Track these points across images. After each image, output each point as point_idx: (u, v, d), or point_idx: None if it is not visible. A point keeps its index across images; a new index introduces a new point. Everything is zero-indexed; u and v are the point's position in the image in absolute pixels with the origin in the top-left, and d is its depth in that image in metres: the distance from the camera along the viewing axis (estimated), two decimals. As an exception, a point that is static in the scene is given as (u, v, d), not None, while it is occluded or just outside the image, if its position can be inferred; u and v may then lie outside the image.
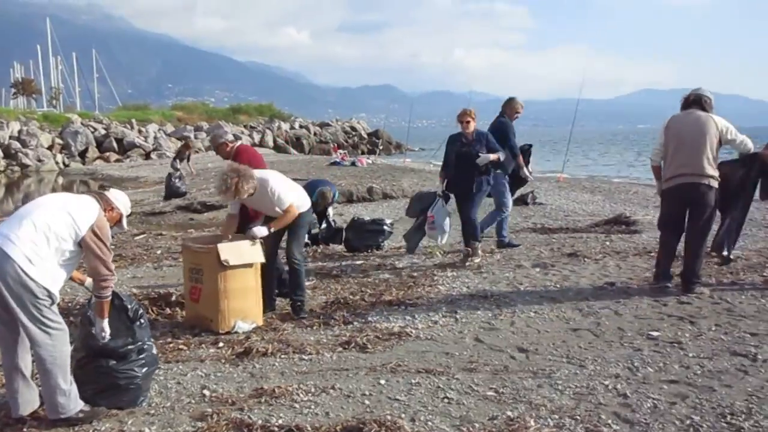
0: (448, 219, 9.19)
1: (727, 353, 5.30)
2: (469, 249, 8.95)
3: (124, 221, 4.81)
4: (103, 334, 4.46)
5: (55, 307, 4.24)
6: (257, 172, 6.51)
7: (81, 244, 4.26)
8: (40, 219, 4.18)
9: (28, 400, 4.41)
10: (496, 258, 9.20)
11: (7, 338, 4.32)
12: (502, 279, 7.99)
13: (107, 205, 4.61)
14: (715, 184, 7.02)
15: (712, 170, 6.98)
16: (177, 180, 19.84)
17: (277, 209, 6.59)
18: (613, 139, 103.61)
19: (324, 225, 11.03)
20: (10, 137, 41.18)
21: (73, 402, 4.28)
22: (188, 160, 22.53)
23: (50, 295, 4.16)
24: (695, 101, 7.22)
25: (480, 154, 8.70)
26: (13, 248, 4.05)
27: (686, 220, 7.21)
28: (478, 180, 8.80)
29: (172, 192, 19.46)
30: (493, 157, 8.78)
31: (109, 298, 4.45)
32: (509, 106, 9.99)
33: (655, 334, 5.81)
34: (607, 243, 9.85)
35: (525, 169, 9.93)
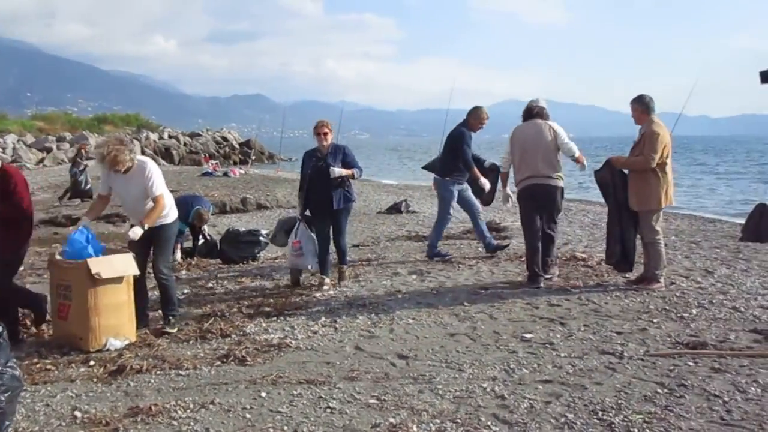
0: (313, 242, 8.31)
1: (596, 352, 5.54)
2: (325, 277, 8.26)
3: None
4: None
5: None
6: (138, 155, 6.42)
7: None
8: None
9: None
10: (372, 266, 9.26)
11: None
12: (379, 286, 8.05)
13: None
14: (559, 183, 7.93)
15: (553, 171, 7.86)
16: (81, 175, 19.39)
17: (147, 198, 6.41)
18: (485, 147, 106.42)
19: (201, 241, 10.79)
20: None
21: None
22: (86, 158, 21.67)
23: None
24: (538, 113, 8.08)
25: (333, 168, 7.97)
26: None
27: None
28: (336, 194, 8.05)
29: (78, 191, 18.97)
30: (345, 172, 8.05)
31: None
32: (473, 116, 9.39)
33: (528, 336, 6.01)
34: (480, 249, 10.11)
35: (482, 179, 9.34)
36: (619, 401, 4.52)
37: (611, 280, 7.96)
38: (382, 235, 12.50)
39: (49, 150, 46.08)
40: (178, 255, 10.29)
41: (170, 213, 6.64)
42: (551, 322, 6.43)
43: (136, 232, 6.25)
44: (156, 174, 6.42)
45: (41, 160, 44.36)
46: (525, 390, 4.78)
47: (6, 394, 4.33)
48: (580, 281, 7.95)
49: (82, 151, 21.93)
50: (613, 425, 4.16)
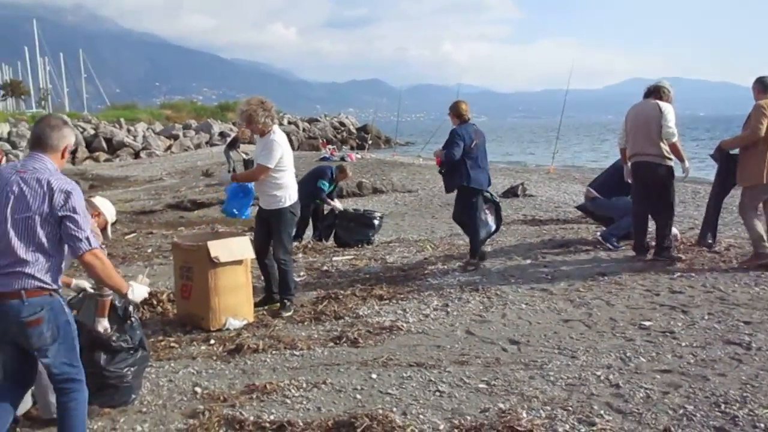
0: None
1: (721, 342, 5.28)
2: None
3: (109, 229, 4.80)
4: (106, 331, 4.47)
5: None
6: (276, 126, 6.71)
7: None
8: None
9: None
10: (487, 250, 9.16)
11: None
12: (493, 271, 7.96)
13: (93, 211, 4.59)
14: (665, 162, 7.69)
15: (657, 150, 7.66)
16: (232, 161, 20.74)
17: (257, 161, 6.64)
18: (602, 129, 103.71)
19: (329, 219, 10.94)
20: (0, 139, 40.98)
21: None
22: (238, 148, 22.85)
23: None
24: (654, 91, 7.95)
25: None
26: None
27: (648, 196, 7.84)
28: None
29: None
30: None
31: (110, 296, 4.45)
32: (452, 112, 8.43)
33: (647, 323, 5.79)
34: (598, 233, 9.82)
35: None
36: (745, 394, 4.29)
37: (740, 268, 7.56)
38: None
39: (176, 137, 48.08)
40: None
41: (286, 197, 6.70)
42: (672, 309, 6.17)
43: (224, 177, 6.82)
44: (274, 146, 6.55)
45: (168, 147, 46.35)
46: (641, 379, 4.61)
47: (134, 368, 4.57)
48: (706, 267, 7.59)
49: (239, 140, 23.03)
50: (736, 419, 3.96)
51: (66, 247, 3.52)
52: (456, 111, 8.26)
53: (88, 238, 3.45)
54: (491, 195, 8.55)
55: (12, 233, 3.41)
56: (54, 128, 3.65)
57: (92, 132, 45.23)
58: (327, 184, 10.80)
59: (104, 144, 44.09)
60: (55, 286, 3.51)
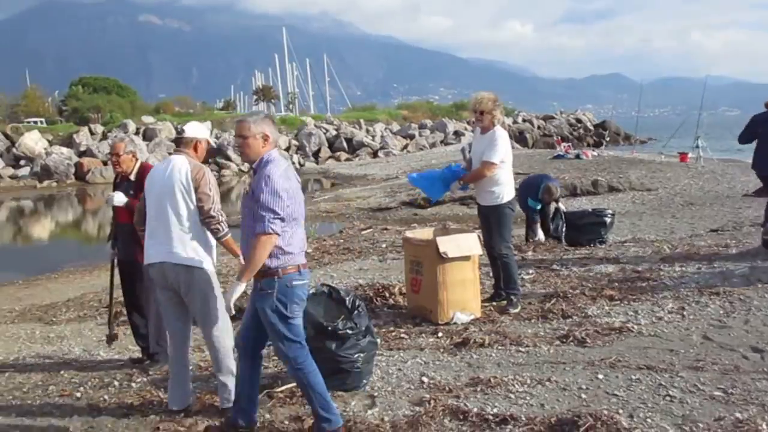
0: None
1: None
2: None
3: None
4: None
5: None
6: (500, 124, 6.75)
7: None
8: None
9: (190, 392, 4.80)
10: (731, 252, 8.60)
11: (181, 333, 4.73)
12: (736, 274, 7.45)
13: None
14: None
15: None
16: None
17: (483, 158, 6.60)
18: None
19: (557, 220, 10.72)
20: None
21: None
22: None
23: None
24: None
25: None
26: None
27: None
28: None
29: None
30: None
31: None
32: None
33: None
34: None
35: None
36: None
37: None
38: (747, 220, 11.47)
39: (411, 137, 49.62)
40: (541, 235, 10.44)
41: (503, 193, 6.67)
42: None
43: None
44: (501, 144, 6.55)
45: (405, 147, 47.92)
46: None
47: (363, 354, 4.84)
48: None
49: None
50: None
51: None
52: None
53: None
54: None
55: None
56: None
57: (334, 133, 47.94)
58: (536, 204, 10.45)
59: (345, 144, 46.54)
60: None
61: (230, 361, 4.60)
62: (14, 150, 39.96)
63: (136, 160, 5.81)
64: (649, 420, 4.05)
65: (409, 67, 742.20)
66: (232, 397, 4.46)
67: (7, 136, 41.10)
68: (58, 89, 77.10)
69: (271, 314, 3.92)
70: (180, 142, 4.79)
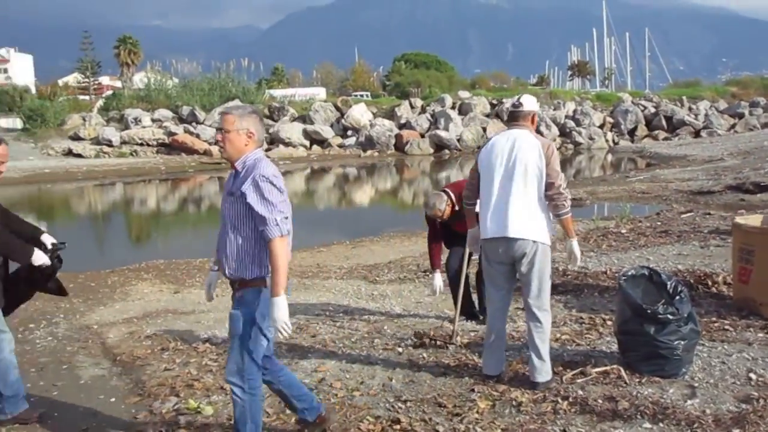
0: None
1: None
2: None
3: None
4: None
5: None
6: None
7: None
8: None
9: (504, 359, 4.89)
10: None
11: (502, 304, 4.82)
12: None
13: None
14: None
15: None
16: None
17: None
18: None
19: None
20: (566, 116, 44.22)
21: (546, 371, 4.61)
22: None
23: None
24: None
25: None
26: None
27: None
28: None
29: None
30: None
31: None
32: None
33: None
34: None
35: None
36: None
37: None
38: None
39: (741, 116, 45.72)
40: None
41: None
42: None
43: None
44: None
45: (732, 126, 44.35)
46: None
47: (684, 342, 4.64)
48: None
49: None
50: None
51: None
52: None
53: None
54: None
55: None
56: None
57: (653, 110, 45.78)
58: None
59: (664, 122, 44.27)
60: None
61: (545, 337, 4.64)
62: (343, 121, 43.46)
63: None
64: None
65: (740, 40, 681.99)
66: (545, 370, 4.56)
67: (337, 108, 44.79)
68: (382, 65, 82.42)
69: (247, 326, 3.54)
70: (519, 116, 4.76)
